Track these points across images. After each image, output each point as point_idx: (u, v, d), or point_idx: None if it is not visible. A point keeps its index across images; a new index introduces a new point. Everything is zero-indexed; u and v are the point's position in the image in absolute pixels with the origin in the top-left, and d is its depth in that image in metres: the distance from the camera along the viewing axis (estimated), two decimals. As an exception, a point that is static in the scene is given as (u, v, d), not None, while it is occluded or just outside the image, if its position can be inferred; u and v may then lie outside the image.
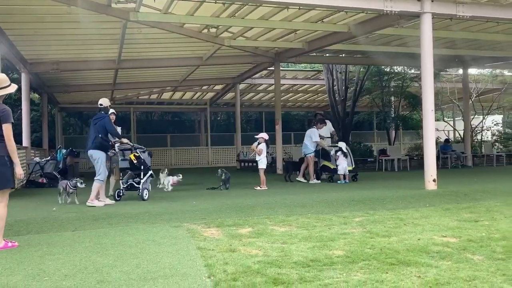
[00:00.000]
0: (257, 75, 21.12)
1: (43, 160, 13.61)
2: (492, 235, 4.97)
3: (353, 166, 12.36)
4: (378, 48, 15.79)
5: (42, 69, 15.96)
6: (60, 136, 24.36)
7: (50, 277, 3.73)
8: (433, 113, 9.99)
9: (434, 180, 9.66)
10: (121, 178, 9.38)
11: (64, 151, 14.05)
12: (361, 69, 21.13)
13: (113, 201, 8.58)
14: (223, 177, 10.78)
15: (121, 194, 8.95)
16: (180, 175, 10.88)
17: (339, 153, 11.99)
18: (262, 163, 11.04)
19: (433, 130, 10.18)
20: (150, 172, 9.14)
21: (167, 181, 10.84)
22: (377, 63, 19.17)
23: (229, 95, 24.87)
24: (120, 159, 9.25)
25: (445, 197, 8.33)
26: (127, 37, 12.91)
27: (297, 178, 12.62)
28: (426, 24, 9.86)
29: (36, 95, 21.81)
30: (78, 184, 8.57)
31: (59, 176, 12.75)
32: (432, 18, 10.01)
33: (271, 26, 13.00)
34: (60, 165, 13.37)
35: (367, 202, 7.87)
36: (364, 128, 29.34)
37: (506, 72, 24.43)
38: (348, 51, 17.25)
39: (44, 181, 13.05)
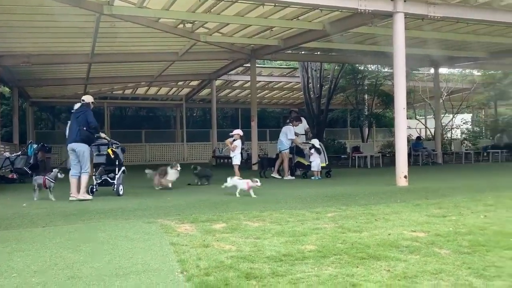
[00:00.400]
0: (233, 72, 21.10)
1: (13, 155, 13.30)
2: (459, 230, 5.12)
3: (327, 162, 12.52)
4: (352, 47, 15.99)
5: (12, 62, 15.60)
6: (32, 131, 23.82)
7: (19, 274, 3.67)
8: (405, 111, 10.21)
9: (405, 177, 9.86)
10: (94, 173, 9.26)
11: (35, 146, 13.77)
12: (336, 67, 21.37)
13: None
14: (198, 172, 10.79)
15: (94, 190, 8.84)
16: (258, 179, 8.42)
17: (313, 150, 12.12)
18: (237, 159, 11.05)
19: (405, 128, 10.40)
20: (123, 168, 9.08)
21: (239, 184, 8.46)
22: (351, 61, 19.42)
23: (205, 91, 24.77)
24: (95, 154, 9.15)
25: (416, 193, 8.52)
26: (100, 30, 12.72)
27: (271, 174, 12.70)
28: (399, 23, 10.04)
29: (7, 89, 21.26)
30: (59, 175, 8.41)
31: (29, 172, 12.50)
32: (405, 17, 10.20)
33: (247, 23, 13.01)
34: (31, 161, 13.10)
35: (340, 198, 7.99)
36: (338, 125, 29.68)
37: (475, 72, 25.10)
38: (323, 49, 17.40)
39: (15, 176, 12.75)
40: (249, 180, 8.38)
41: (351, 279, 3.44)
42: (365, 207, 6.89)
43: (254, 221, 5.85)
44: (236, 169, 10.97)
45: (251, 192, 8.28)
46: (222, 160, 19.51)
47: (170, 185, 9.89)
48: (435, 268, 3.71)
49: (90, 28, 12.64)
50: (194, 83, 23.66)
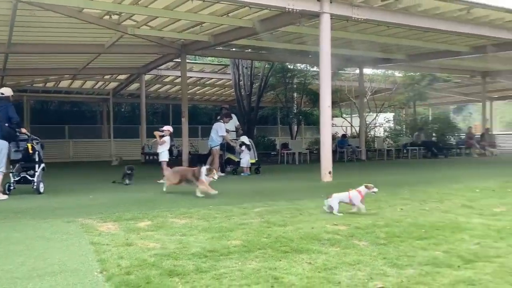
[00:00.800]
0: (163, 66, 20.69)
1: None
2: (377, 223, 5.39)
3: (256, 159, 12.68)
4: (281, 45, 16.25)
5: None
6: None
7: None
8: (330, 109, 10.54)
9: (329, 173, 10.22)
10: (11, 170, 8.71)
11: None
12: (266, 65, 21.64)
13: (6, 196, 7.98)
14: (127, 171, 10.47)
15: (11, 188, 8.33)
16: (373, 185, 6.13)
17: (243, 147, 12.22)
18: (164, 156, 10.85)
19: (330, 125, 10.75)
20: (43, 164, 8.62)
21: (346, 200, 6.03)
22: (280, 60, 19.75)
23: (134, 85, 24.06)
24: (13, 150, 8.59)
25: (340, 188, 8.69)
26: (18, 19, 11.93)
27: (201, 171, 12.64)
28: (325, 23, 10.35)
29: None
30: None
31: None
32: (331, 18, 10.53)
33: (176, 17, 12.77)
34: None
35: (267, 193, 8.12)
36: (269, 122, 30.09)
37: (396, 73, 26.51)
38: (253, 47, 17.54)
39: None
40: (360, 188, 5.97)
41: (274, 273, 3.51)
42: (291, 202, 7.05)
43: (181, 218, 5.79)
44: (164, 165, 10.77)
45: (361, 206, 5.90)
46: (151, 157, 19.09)
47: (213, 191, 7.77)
48: (353, 259, 3.88)
49: (7, 16, 11.82)
50: (122, 77, 22.92)
